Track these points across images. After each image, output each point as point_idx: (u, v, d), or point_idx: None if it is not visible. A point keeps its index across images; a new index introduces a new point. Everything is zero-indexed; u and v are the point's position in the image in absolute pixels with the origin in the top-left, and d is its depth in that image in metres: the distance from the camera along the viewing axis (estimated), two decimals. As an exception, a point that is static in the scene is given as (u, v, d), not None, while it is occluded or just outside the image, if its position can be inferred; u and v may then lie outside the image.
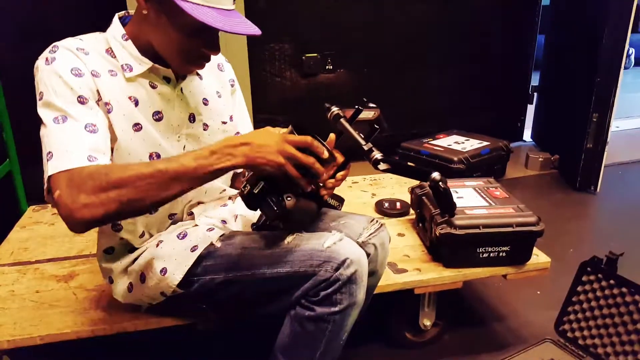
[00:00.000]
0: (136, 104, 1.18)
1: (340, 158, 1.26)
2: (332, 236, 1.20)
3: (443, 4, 3.51)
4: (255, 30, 1.14)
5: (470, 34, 3.63)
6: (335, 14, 3.30)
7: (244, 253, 1.23)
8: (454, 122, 3.59)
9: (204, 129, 1.31)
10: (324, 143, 1.12)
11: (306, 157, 1.07)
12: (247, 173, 1.21)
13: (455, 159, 2.96)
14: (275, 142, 1.05)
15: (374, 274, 1.37)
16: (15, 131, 2.41)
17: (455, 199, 1.77)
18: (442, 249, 1.66)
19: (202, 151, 1.04)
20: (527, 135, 4.09)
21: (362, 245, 1.29)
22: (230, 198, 1.44)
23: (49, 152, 1.03)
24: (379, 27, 3.42)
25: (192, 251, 1.25)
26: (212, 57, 1.32)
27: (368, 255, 1.30)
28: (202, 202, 1.37)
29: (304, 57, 3.31)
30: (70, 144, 1.03)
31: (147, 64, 1.18)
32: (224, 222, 1.37)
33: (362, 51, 3.44)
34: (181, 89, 1.26)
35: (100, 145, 1.07)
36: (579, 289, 1.67)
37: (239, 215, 1.43)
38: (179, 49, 1.15)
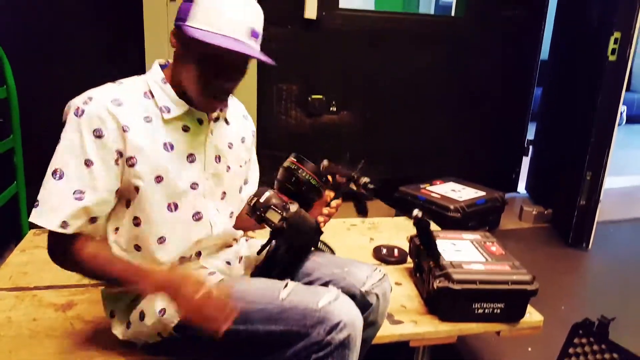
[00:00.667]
0: (171, 148, 1.23)
1: (330, 194, 1.39)
2: (327, 294, 1.20)
3: (445, 56, 3.61)
4: (259, 55, 1.17)
5: (469, 85, 3.73)
6: (341, 59, 3.40)
7: (239, 306, 1.22)
8: (450, 168, 3.66)
9: (227, 170, 1.36)
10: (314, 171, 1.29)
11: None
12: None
13: (452, 207, 3.00)
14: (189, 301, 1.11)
15: (373, 324, 1.38)
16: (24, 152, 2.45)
17: (453, 252, 1.82)
18: (439, 302, 1.68)
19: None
20: (521, 186, 4.15)
21: (365, 294, 1.31)
22: (235, 239, 1.46)
23: (37, 201, 1.16)
24: (382, 74, 3.52)
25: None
26: (237, 106, 1.42)
27: (370, 305, 1.32)
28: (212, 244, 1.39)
29: (309, 98, 3.39)
30: (54, 204, 1.14)
31: (184, 106, 1.24)
32: (228, 263, 1.39)
33: (365, 95, 3.52)
34: (211, 131, 1.30)
35: (79, 212, 1.15)
36: (570, 350, 1.69)
37: (243, 257, 1.46)
38: (196, 81, 1.18)
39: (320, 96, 3.42)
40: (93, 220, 1.19)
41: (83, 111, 1.14)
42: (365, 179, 1.36)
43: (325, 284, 1.35)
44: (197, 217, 1.29)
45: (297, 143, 3.45)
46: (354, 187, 1.38)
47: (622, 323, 1.77)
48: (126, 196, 1.23)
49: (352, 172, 1.38)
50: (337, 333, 1.14)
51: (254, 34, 1.18)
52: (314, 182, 1.31)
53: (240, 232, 1.49)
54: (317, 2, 3.17)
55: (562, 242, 3.29)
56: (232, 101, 1.43)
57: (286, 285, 1.23)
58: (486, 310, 1.69)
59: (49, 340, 1.47)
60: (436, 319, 1.70)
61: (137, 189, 1.20)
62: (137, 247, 1.27)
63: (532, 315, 1.77)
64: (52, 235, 1.18)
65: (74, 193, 1.14)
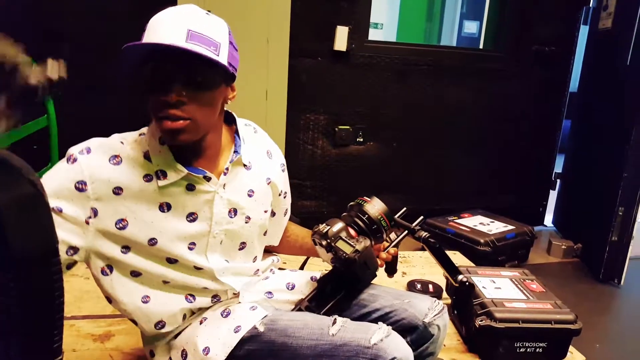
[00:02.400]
0: (168, 208, 1.17)
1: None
2: (379, 330, 1.17)
3: (473, 88, 3.63)
4: (176, 43, 1.02)
5: (497, 117, 3.73)
6: (369, 90, 3.43)
7: (287, 342, 1.20)
8: (476, 201, 3.64)
9: (246, 222, 1.28)
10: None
11: None
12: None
13: (482, 240, 2.97)
14: None
15: (432, 355, 1.36)
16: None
17: (493, 289, 1.80)
18: (481, 341, 1.66)
19: None
20: (547, 219, 4.11)
21: (427, 325, 1.30)
22: (271, 270, 1.45)
23: None
24: (411, 106, 3.54)
25: (235, 332, 1.22)
26: (261, 142, 1.37)
27: (432, 335, 1.31)
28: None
29: (336, 129, 3.41)
30: None
31: (182, 172, 1.16)
32: (269, 293, 1.38)
33: (392, 127, 3.54)
34: (224, 186, 1.23)
35: None
36: (616, 393, 1.65)
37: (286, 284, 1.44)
38: (150, 108, 1.10)
39: (347, 127, 3.44)
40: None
41: (75, 160, 1.09)
42: (425, 233, 1.39)
43: (385, 315, 1.33)
44: (198, 267, 1.25)
45: (323, 173, 3.46)
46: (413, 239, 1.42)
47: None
48: (110, 256, 1.16)
49: (412, 225, 1.41)
50: None
51: (195, 38, 1.04)
52: (384, 224, 1.33)
53: (263, 266, 1.43)
54: (347, 34, 3.22)
55: (592, 278, 3.22)
56: (254, 137, 1.36)
57: (335, 321, 1.21)
58: (528, 350, 1.66)
59: (90, 372, 1.47)
60: (477, 357, 1.67)
61: (127, 248, 1.16)
62: (146, 299, 1.23)
63: (574, 355, 1.74)
64: None
65: None
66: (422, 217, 1.44)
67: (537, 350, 1.67)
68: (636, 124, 2.93)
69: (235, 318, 1.26)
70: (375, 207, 1.33)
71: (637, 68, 2.94)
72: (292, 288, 1.42)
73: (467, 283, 1.41)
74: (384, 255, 1.40)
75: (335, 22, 3.21)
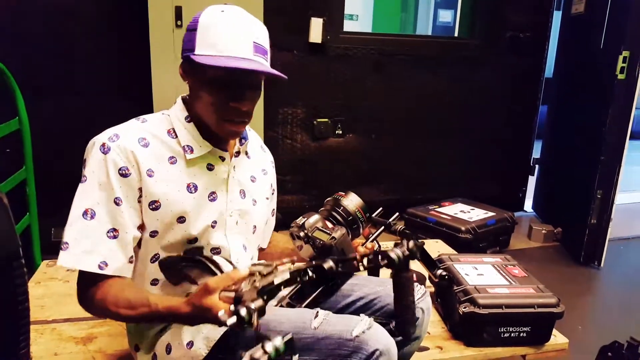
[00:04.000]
0: (195, 189, 1.21)
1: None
2: (361, 323, 1.18)
3: (449, 76, 3.64)
4: (267, 69, 1.15)
5: (473, 105, 3.75)
6: (346, 82, 3.42)
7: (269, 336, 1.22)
8: (456, 190, 3.67)
9: (253, 204, 1.34)
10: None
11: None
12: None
13: (463, 228, 2.99)
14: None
15: (417, 338, 1.39)
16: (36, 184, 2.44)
17: (475, 276, 1.81)
18: (465, 327, 1.66)
19: (179, 308, 1.06)
20: (527, 205, 4.15)
21: None
22: None
23: (66, 243, 1.12)
24: (388, 96, 3.54)
25: (219, 326, 1.24)
26: (254, 136, 1.41)
27: (417, 319, 1.32)
28: None
29: (315, 122, 3.40)
30: (89, 245, 1.12)
31: (208, 147, 1.23)
32: None
33: (370, 118, 3.54)
34: (234, 167, 1.29)
35: (115, 251, 1.15)
36: (599, 373, 1.67)
37: None
38: (212, 109, 1.17)
39: (326, 119, 3.43)
40: (131, 260, 1.18)
41: (109, 148, 1.13)
42: (401, 226, 1.46)
43: (370, 302, 1.36)
44: (215, 252, 1.28)
45: (303, 167, 3.45)
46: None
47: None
48: (144, 235, 1.21)
49: (388, 221, 1.46)
50: None
51: (259, 50, 1.16)
52: (359, 216, 1.37)
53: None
54: (322, 26, 3.20)
55: (573, 261, 3.27)
56: (250, 133, 1.42)
57: (317, 314, 1.22)
58: (512, 334, 1.68)
59: (72, 376, 1.44)
60: (461, 344, 1.68)
61: (156, 230, 1.19)
62: (155, 282, 1.25)
63: (557, 338, 1.76)
64: (83, 278, 1.16)
65: (107, 232, 1.13)
66: (397, 214, 1.49)
67: (521, 334, 1.68)
68: (611, 106, 2.97)
69: (220, 313, 1.26)
70: (352, 201, 1.39)
71: (611, 50, 2.98)
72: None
73: (446, 277, 1.44)
74: (361, 249, 1.41)
75: (310, 14, 3.19)
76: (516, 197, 4.11)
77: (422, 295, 1.39)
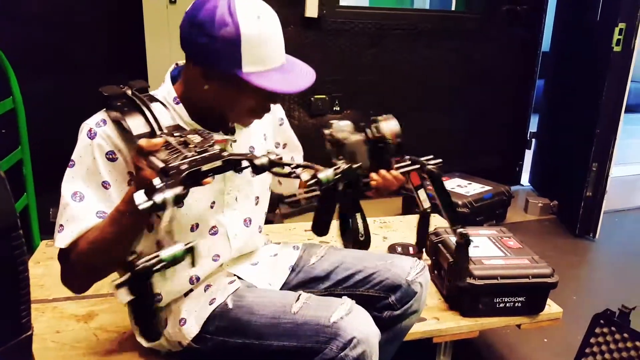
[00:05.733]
0: None
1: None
2: (341, 307, 1.17)
3: (446, 50, 3.62)
4: (312, 77, 1.18)
5: (471, 78, 3.74)
6: (343, 57, 3.39)
7: (251, 320, 1.21)
8: (453, 164, 3.66)
9: (252, 176, 1.31)
10: None
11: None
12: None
13: (460, 202, 3.01)
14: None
15: (416, 312, 1.40)
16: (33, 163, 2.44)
17: (471, 248, 1.82)
18: (461, 298, 1.69)
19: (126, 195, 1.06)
20: (524, 179, 4.17)
21: (410, 283, 1.35)
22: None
23: (61, 225, 1.13)
24: (385, 71, 3.52)
25: (210, 304, 1.26)
26: None
27: (415, 293, 1.36)
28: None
29: (312, 98, 3.38)
30: (77, 224, 1.12)
31: (196, 128, 1.19)
32: (254, 264, 1.40)
33: (368, 93, 3.52)
34: (231, 144, 1.27)
35: None
36: (592, 340, 1.70)
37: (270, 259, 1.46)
38: (247, 110, 1.19)
39: (323, 96, 3.42)
40: None
41: (96, 133, 1.12)
42: (434, 168, 1.52)
43: (369, 276, 1.38)
44: (212, 231, 1.30)
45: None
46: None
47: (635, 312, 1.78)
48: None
49: (422, 159, 1.51)
50: (351, 350, 1.11)
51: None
52: (389, 139, 1.43)
53: (262, 243, 1.49)
54: (317, 0, 3.17)
55: (569, 234, 3.30)
56: None
57: (299, 298, 1.22)
58: (507, 305, 1.70)
59: (75, 351, 1.47)
60: (458, 314, 1.71)
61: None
62: None
63: (552, 307, 1.78)
64: (61, 255, 1.16)
65: (96, 213, 1.13)
66: (440, 160, 1.54)
67: (517, 304, 1.71)
68: (607, 79, 2.96)
69: (213, 291, 1.29)
70: (387, 123, 1.47)
71: (607, 23, 2.96)
72: (275, 256, 1.48)
73: (467, 235, 1.44)
74: (389, 175, 1.43)
75: (305, -12, 3.15)
76: (513, 171, 4.12)
77: (421, 270, 1.40)
